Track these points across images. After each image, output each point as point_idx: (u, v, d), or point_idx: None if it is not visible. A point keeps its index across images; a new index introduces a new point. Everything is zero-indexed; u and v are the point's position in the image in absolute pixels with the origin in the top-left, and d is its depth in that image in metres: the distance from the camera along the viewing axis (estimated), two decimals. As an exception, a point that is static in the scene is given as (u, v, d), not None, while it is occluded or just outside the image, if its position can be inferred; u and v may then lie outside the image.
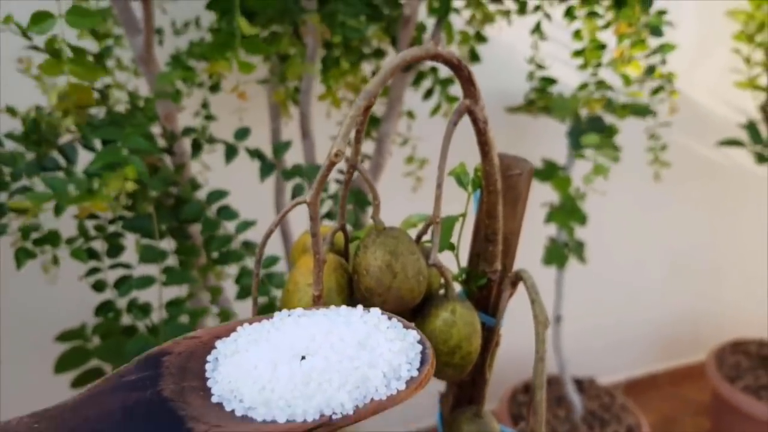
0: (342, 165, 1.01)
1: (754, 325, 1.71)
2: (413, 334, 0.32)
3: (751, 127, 1.48)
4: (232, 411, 0.29)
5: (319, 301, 0.36)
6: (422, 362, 0.31)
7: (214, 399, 0.30)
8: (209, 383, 0.31)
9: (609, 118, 1.13)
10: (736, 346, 1.67)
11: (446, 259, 0.41)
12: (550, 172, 1.23)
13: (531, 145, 1.41)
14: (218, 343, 0.33)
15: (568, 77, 1.19)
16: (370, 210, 0.92)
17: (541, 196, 1.23)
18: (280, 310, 0.39)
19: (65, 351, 0.87)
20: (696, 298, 1.85)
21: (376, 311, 0.33)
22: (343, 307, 0.33)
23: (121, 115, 0.74)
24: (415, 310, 0.40)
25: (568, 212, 1.25)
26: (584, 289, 1.50)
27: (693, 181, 1.71)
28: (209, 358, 0.32)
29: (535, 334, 0.39)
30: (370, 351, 0.30)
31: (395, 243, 0.37)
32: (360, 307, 0.33)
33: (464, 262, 0.45)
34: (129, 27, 0.86)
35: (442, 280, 0.40)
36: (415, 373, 0.30)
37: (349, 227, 0.52)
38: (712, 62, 1.60)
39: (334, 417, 0.28)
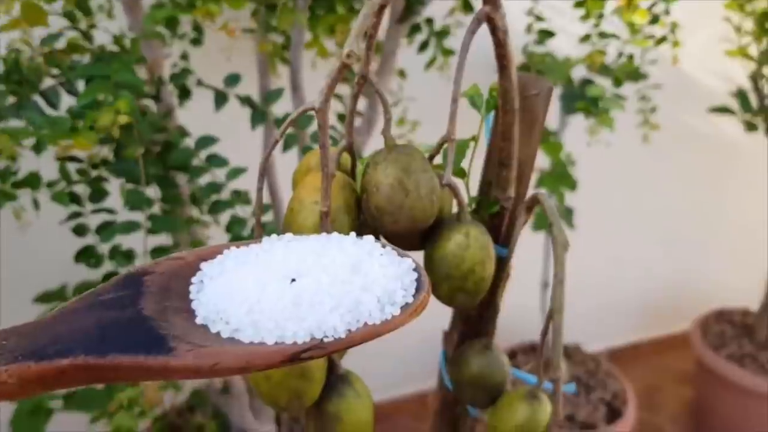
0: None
1: (738, 294, 1.72)
2: (408, 262, 0.30)
3: (742, 96, 1.47)
4: (218, 333, 0.28)
5: (326, 219, 0.34)
6: (418, 290, 0.29)
7: (199, 321, 0.28)
8: (194, 305, 0.29)
9: (604, 81, 1.11)
10: (720, 316, 1.68)
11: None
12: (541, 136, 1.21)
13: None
14: (203, 265, 0.31)
15: (560, 44, 1.18)
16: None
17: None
18: (283, 231, 0.37)
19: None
20: (681, 268, 1.86)
21: (369, 238, 0.31)
22: (335, 233, 0.32)
23: (107, 54, 0.71)
24: (425, 234, 0.38)
25: (558, 177, 1.24)
26: (571, 257, 1.49)
27: (681, 151, 1.70)
28: (194, 279, 0.30)
29: (554, 257, 0.37)
30: (363, 275, 0.29)
31: (408, 159, 0.35)
32: (353, 234, 0.32)
33: (474, 192, 0.43)
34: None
35: (455, 205, 0.38)
36: (410, 299, 0.29)
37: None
38: (703, 31, 1.58)
39: (325, 340, 0.27)
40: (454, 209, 0.39)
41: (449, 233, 0.37)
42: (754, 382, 1.47)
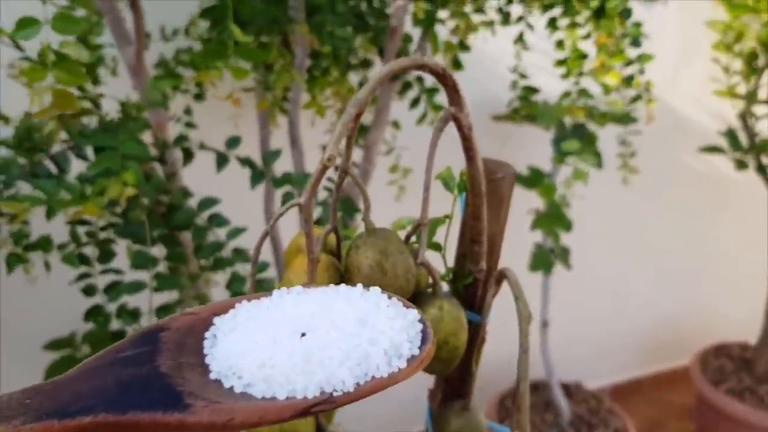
0: (332, 173, 1.02)
1: (736, 328, 1.74)
2: (414, 313, 0.32)
3: (731, 135, 1.51)
4: (231, 388, 0.29)
5: (312, 299, 0.37)
6: (423, 341, 0.30)
7: (213, 375, 0.30)
8: (207, 360, 0.31)
9: (593, 126, 1.15)
10: (719, 350, 1.70)
11: (434, 260, 0.43)
12: (536, 179, 1.25)
13: (513, 152, 1.43)
14: (216, 320, 0.32)
15: (551, 86, 1.22)
16: (358, 217, 0.94)
17: (527, 202, 1.25)
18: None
19: (55, 360, 0.87)
20: (679, 303, 1.88)
21: (376, 290, 0.33)
22: (343, 285, 0.33)
23: (114, 123, 0.75)
24: (404, 308, 0.42)
25: (553, 218, 1.27)
26: (569, 296, 1.52)
27: (675, 188, 1.74)
28: (207, 334, 0.32)
29: (519, 329, 0.40)
30: (370, 328, 0.30)
31: (385, 243, 0.39)
32: (360, 285, 0.33)
33: (451, 263, 0.47)
34: (120, 38, 0.87)
35: (430, 279, 0.42)
36: (416, 351, 0.30)
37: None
38: (692, 71, 1.63)
39: (335, 394, 0.28)
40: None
41: (424, 307, 0.41)
42: (754, 416, 1.48)
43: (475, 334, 0.46)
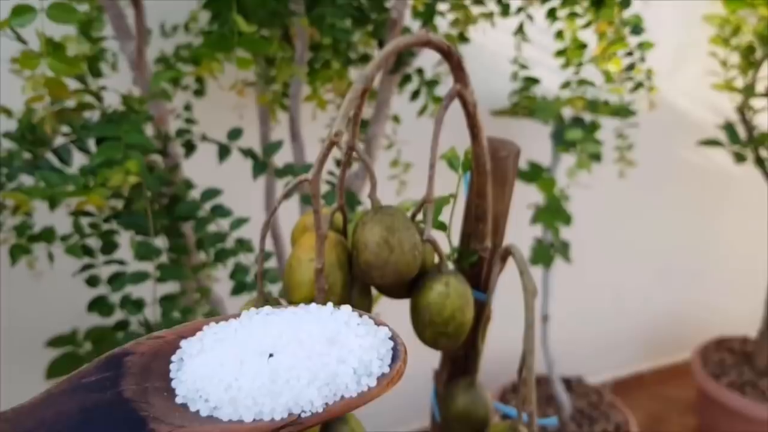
0: (335, 169, 1.03)
1: (737, 322, 1.75)
2: (384, 331, 0.31)
3: (729, 128, 1.51)
4: (197, 411, 0.29)
5: (320, 275, 0.38)
6: (394, 359, 0.30)
7: (179, 400, 0.29)
8: (173, 383, 0.30)
9: (592, 118, 1.16)
10: (720, 344, 1.70)
11: (439, 239, 0.43)
12: (535, 173, 1.25)
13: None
14: (183, 343, 0.32)
15: (550, 80, 1.22)
16: (359, 209, 0.94)
17: (526, 197, 1.25)
18: (283, 288, 0.41)
19: (57, 357, 0.87)
20: (679, 297, 1.88)
21: (346, 308, 0.32)
22: (313, 304, 0.33)
23: (117, 114, 0.75)
24: (410, 284, 0.42)
25: (553, 212, 1.27)
26: (570, 290, 1.53)
27: (674, 183, 1.74)
28: (174, 358, 0.31)
29: (525, 303, 0.41)
30: (339, 347, 0.29)
31: (392, 219, 0.39)
32: (330, 304, 0.33)
33: (456, 242, 0.47)
34: (121, 33, 0.87)
35: (436, 257, 0.42)
36: (386, 370, 0.29)
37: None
38: (690, 66, 1.63)
39: (302, 415, 0.27)
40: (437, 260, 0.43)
41: (431, 283, 0.41)
42: (755, 409, 1.49)
43: (481, 311, 0.46)
